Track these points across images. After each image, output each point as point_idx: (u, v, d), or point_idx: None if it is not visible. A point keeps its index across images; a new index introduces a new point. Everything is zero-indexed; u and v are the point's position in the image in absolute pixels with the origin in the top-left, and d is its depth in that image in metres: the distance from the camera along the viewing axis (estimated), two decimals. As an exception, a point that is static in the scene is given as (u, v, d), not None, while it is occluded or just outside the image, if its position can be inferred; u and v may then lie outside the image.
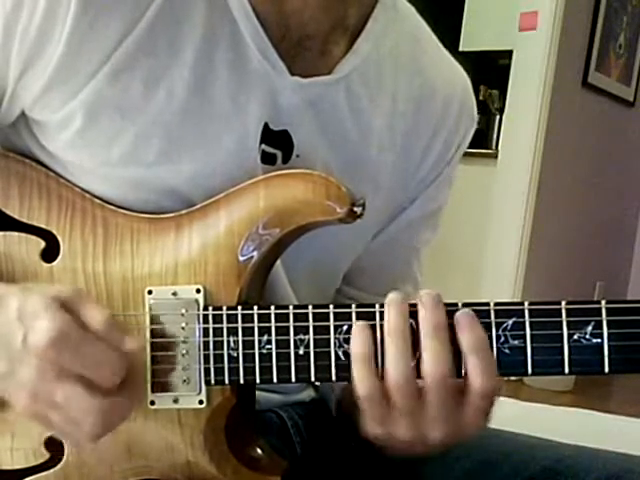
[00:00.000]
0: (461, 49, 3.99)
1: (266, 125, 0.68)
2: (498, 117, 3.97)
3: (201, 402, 0.63)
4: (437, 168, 0.80)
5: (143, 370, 0.62)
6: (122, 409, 0.58)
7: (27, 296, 0.58)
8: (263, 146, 0.69)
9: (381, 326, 0.59)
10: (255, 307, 0.62)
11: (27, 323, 0.56)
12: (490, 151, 3.68)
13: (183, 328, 0.63)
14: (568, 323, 0.57)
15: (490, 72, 3.95)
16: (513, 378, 2.73)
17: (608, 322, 0.56)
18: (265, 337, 0.61)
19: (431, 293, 0.59)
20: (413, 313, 0.58)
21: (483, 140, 3.99)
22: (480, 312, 0.58)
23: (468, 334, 0.57)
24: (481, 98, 3.99)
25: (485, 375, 0.57)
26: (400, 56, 0.76)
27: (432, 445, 0.61)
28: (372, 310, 0.59)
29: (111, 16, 0.62)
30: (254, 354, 0.61)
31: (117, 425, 0.58)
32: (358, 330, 0.59)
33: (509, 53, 3.25)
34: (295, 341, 0.61)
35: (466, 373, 0.57)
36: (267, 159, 0.69)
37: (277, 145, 0.69)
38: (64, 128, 0.65)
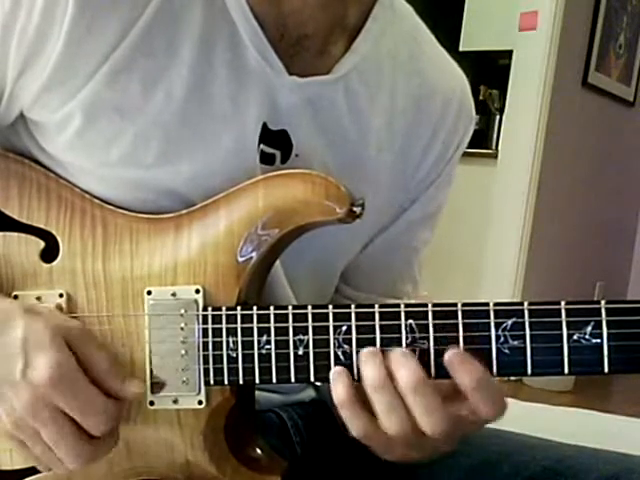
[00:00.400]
0: (461, 49, 3.99)
1: (265, 125, 0.68)
2: (498, 117, 3.97)
3: (200, 402, 0.63)
4: (437, 168, 0.80)
5: (144, 353, 0.63)
6: (103, 452, 0.60)
7: (34, 322, 0.59)
8: (262, 146, 0.69)
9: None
10: (254, 307, 0.62)
11: (29, 355, 0.57)
12: (490, 151, 3.68)
13: (182, 328, 0.63)
14: (568, 323, 0.57)
15: (490, 72, 3.95)
16: (513, 378, 2.73)
17: (608, 322, 0.56)
18: (264, 337, 0.61)
19: (398, 350, 0.57)
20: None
21: (483, 140, 3.98)
22: (479, 312, 0.58)
23: (467, 376, 0.56)
24: (481, 98, 3.99)
25: (495, 405, 0.57)
26: (399, 56, 0.76)
27: (437, 449, 0.61)
28: (371, 310, 0.59)
29: (109, 17, 0.62)
30: (253, 354, 0.61)
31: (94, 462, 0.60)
32: (336, 375, 0.58)
33: (509, 53, 3.25)
34: (294, 341, 0.61)
35: (472, 408, 0.57)
36: (266, 159, 0.69)
37: (276, 145, 0.69)
38: (63, 129, 0.65)
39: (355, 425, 0.58)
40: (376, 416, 0.57)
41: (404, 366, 0.57)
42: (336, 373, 0.59)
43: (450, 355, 0.57)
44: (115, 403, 0.59)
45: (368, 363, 0.58)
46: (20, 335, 0.58)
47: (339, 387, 0.58)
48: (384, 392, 0.57)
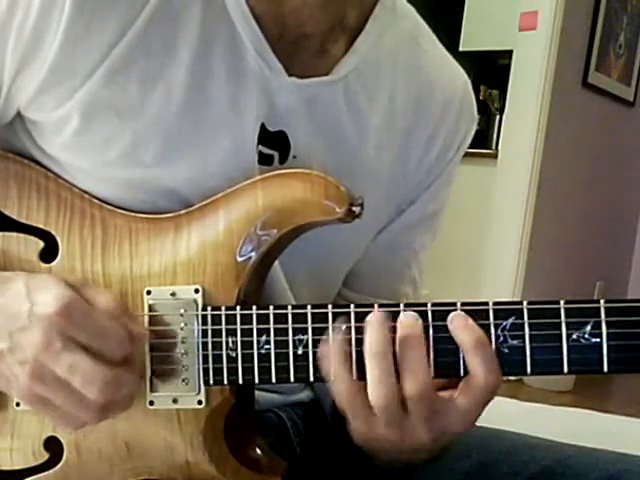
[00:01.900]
0: (461, 49, 3.99)
1: (263, 126, 0.68)
2: (498, 117, 3.98)
3: (200, 402, 0.63)
4: (437, 169, 0.80)
5: (144, 353, 0.63)
6: (127, 382, 0.59)
7: (34, 275, 0.60)
8: (260, 147, 0.69)
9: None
10: (254, 307, 0.62)
11: (34, 296, 0.57)
12: (490, 151, 3.68)
13: (182, 328, 0.63)
14: (567, 323, 0.57)
15: (490, 72, 3.95)
16: (512, 378, 2.73)
17: (607, 322, 0.56)
18: (264, 337, 0.61)
19: (408, 312, 0.58)
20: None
21: (483, 140, 3.99)
22: (479, 312, 0.58)
23: (468, 334, 0.57)
24: (481, 98, 3.99)
25: (490, 372, 0.57)
26: (399, 56, 0.76)
27: (420, 446, 0.61)
28: (370, 310, 0.59)
29: (107, 16, 0.61)
30: (253, 354, 0.61)
31: (121, 401, 0.59)
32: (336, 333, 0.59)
33: (509, 53, 3.25)
34: (294, 341, 0.61)
35: (469, 371, 0.57)
36: (264, 160, 0.69)
37: (274, 146, 0.69)
38: (61, 129, 0.65)
39: (340, 382, 0.58)
40: (367, 382, 0.58)
41: (411, 326, 0.58)
42: (337, 327, 0.59)
43: (452, 315, 0.58)
44: (125, 330, 0.59)
45: (372, 328, 0.58)
46: (23, 282, 0.59)
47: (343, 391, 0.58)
48: (382, 358, 0.57)
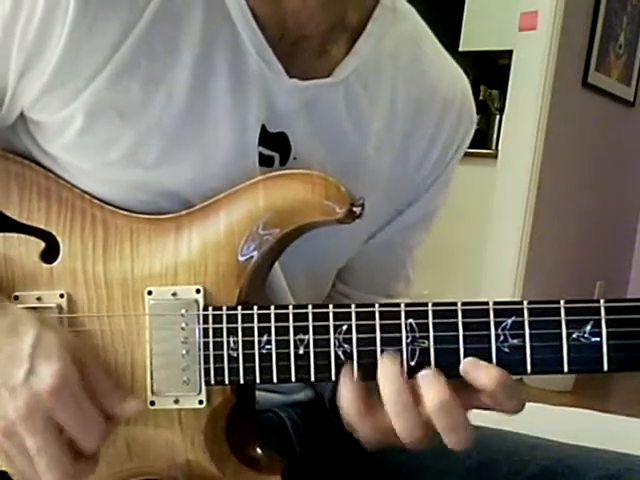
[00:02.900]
0: (461, 49, 3.99)
1: (263, 127, 0.68)
2: (498, 117, 3.97)
3: (201, 402, 0.63)
4: (436, 170, 0.80)
5: (145, 353, 0.63)
6: (84, 475, 0.60)
7: (45, 333, 0.59)
8: (260, 148, 0.69)
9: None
10: (255, 307, 0.62)
11: (36, 362, 0.57)
12: (490, 151, 3.68)
13: (183, 328, 0.63)
14: (567, 322, 0.57)
15: (490, 72, 3.95)
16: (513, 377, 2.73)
17: (607, 321, 0.56)
18: (265, 337, 0.61)
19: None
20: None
21: (483, 140, 3.98)
22: (479, 311, 0.58)
23: (485, 377, 0.57)
24: (481, 98, 3.99)
25: (514, 401, 0.58)
26: (400, 58, 0.76)
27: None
28: (372, 310, 0.60)
29: (110, 18, 0.62)
30: (254, 354, 0.61)
31: None
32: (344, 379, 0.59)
33: (509, 53, 3.25)
34: (295, 341, 0.61)
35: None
36: (265, 161, 0.69)
37: (274, 147, 0.69)
38: (64, 130, 0.65)
39: (363, 431, 0.59)
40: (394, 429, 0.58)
41: (431, 387, 0.57)
42: (344, 378, 0.59)
43: (465, 363, 0.58)
44: (108, 426, 0.60)
45: (390, 382, 0.58)
46: (30, 341, 0.58)
47: (346, 396, 0.59)
48: (407, 414, 0.57)
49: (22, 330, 0.59)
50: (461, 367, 0.58)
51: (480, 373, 0.57)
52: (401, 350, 0.59)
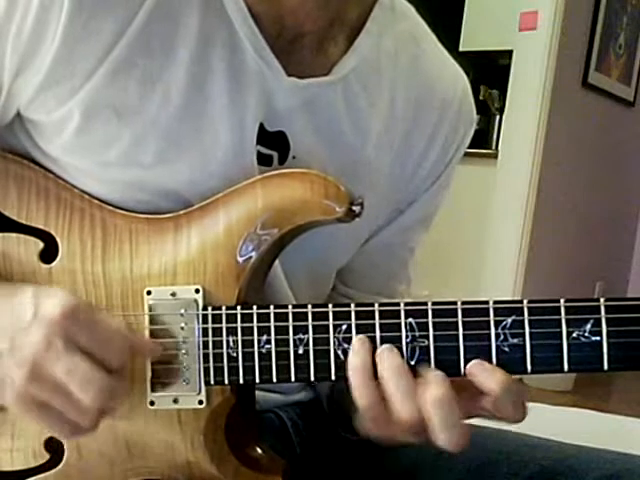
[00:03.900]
0: (461, 49, 3.98)
1: (262, 126, 0.68)
2: (498, 117, 3.97)
3: (201, 402, 0.63)
4: (436, 170, 0.80)
5: (143, 365, 0.63)
6: (120, 391, 0.58)
7: (43, 288, 0.61)
8: (259, 147, 0.68)
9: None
10: (254, 307, 0.62)
11: (40, 300, 0.58)
12: (490, 151, 3.68)
13: (182, 328, 0.63)
14: (567, 321, 0.57)
15: (490, 72, 3.95)
16: (513, 377, 2.73)
17: (607, 320, 0.56)
18: (264, 337, 0.61)
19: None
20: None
21: (483, 140, 3.98)
22: (479, 310, 0.58)
23: (493, 381, 0.57)
24: (481, 98, 3.98)
25: (519, 410, 0.58)
26: (399, 56, 0.76)
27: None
28: (371, 309, 0.59)
29: (105, 16, 0.61)
30: (253, 354, 0.61)
31: (114, 409, 0.59)
32: (358, 344, 0.59)
33: (509, 53, 3.25)
34: (294, 340, 0.61)
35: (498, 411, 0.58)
36: (263, 160, 0.69)
37: (273, 146, 0.69)
38: (61, 129, 0.65)
39: (362, 394, 0.58)
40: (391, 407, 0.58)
41: (434, 385, 0.57)
42: (360, 341, 0.59)
43: (471, 366, 0.57)
44: (127, 340, 0.59)
45: (390, 353, 0.58)
46: (30, 293, 0.59)
47: (357, 355, 0.58)
48: (400, 376, 0.57)
49: (21, 288, 0.60)
50: (467, 369, 0.57)
51: (486, 376, 0.57)
52: (401, 349, 0.59)
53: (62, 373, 0.56)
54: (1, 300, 0.61)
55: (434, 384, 0.56)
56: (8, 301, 0.60)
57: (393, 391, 0.57)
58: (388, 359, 0.58)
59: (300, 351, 0.60)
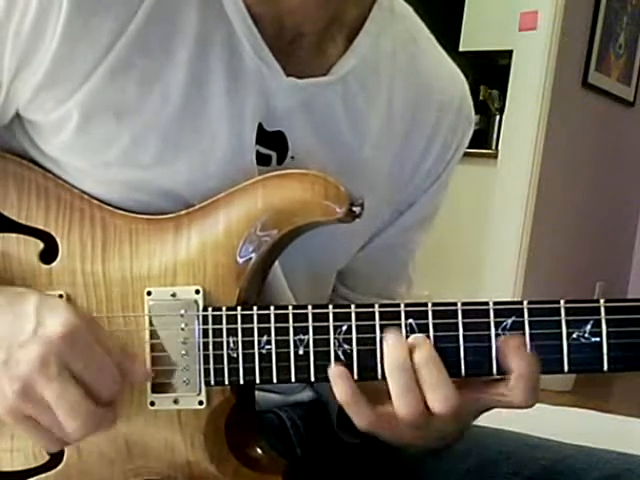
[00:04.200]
0: (461, 49, 3.99)
1: (260, 126, 0.68)
2: (498, 117, 3.97)
3: (201, 403, 0.63)
4: (435, 171, 0.80)
5: (145, 353, 0.63)
6: (106, 423, 0.59)
7: (45, 296, 0.60)
8: (258, 147, 0.68)
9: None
10: (254, 308, 0.62)
11: (42, 316, 0.57)
12: (490, 151, 3.68)
13: (182, 329, 0.63)
14: (567, 322, 0.57)
15: (490, 72, 3.95)
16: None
17: (607, 320, 0.56)
18: (265, 337, 0.61)
19: (418, 336, 0.59)
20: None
21: (483, 140, 3.98)
22: (479, 311, 0.58)
23: (523, 361, 0.57)
24: (481, 98, 3.99)
25: (529, 401, 0.58)
26: (397, 57, 0.76)
27: (447, 435, 0.62)
28: (371, 310, 0.60)
29: (104, 16, 0.61)
30: (254, 354, 0.61)
31: (94, 433, 0.59)
32: (335, 376, 0.59)
33: (509, 53, 3.25)
34: (295, 341, 0.61)
35: (509, 393, 0.58)
36: (262, 160, 0.69)
37: (272, 146, 0.69)
38: (59, 129, 0.65)
39: (361, 419, 0.59)
40: (391, 398, 0.58)
41: (420, 345, 0.58)
42: (335, 374, 0.59)
43: (508, 339, 0.57)
44: (121, 373, 0.59)
45: (390, 347, 0.58)
46: (34, 303, 0.59)
47: (341, 387, 0.59)
48: (401, 374, 0.57)
49: (25, 297, 0.60)
50: (498, 343, 0.58)
51: (518, 355, 0.57)
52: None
53: (51, 397, 0.56)
54: (3, 307, 0.60)
55: (422, 346, 0.58)
56: (9, 310, 0.59)
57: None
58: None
59: (300, 352, 0.61)
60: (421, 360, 0.57)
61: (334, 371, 0.59)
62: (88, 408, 0.57)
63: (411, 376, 0.57)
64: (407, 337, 0.59)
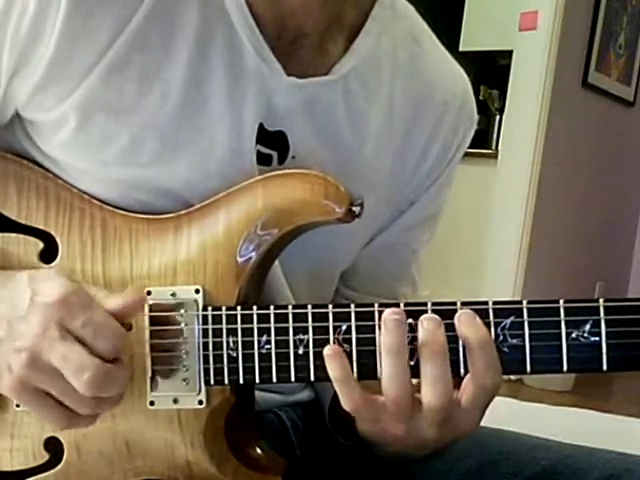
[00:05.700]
0: (461, 49, 3.99)
1: (261, 126, 0.68)
2: (498, 117, 3.97)
3: (201, 402, 0.63)
4: (436, 170, 0.80)
5: (144, 353, 0.63)
6: (116, 379, 0.58)
7: (39, 271, 0.61)
8: (258, 147, 0.68)
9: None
10: (254, 307, 0.62)
11: (36, 286, 0.57)
12: (490, 151, 3.68)
13: (182, 329, 0.63)
14: (566, 322, 0.57)
15: (490, 72, 3.95)
16: (513, 377, 2.73)
17: (606, 321, 0.56)
18: (264, 337, 0.61)
19: (433, 317, 0.58)
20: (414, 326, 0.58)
21: (483, 140, 3.99)
22: (479, 311, 0.58)
23: (474, 332, 0.57)
24: (481, 98, 3.99)
25: (492, 370, 0.57)
26: (398, 56, 0.76)
27: (426, 442, 0.61)
28: (371, 310, 0.60)
29: (103, 14, 0.61)
30: (253, 354, 0.61)
31: (112, 400, 0.58)
32: (331, 354, 0.59)
33: (509, 53, 3.25)
34: (294, 341, 0.61)
35: (469, 370, 0.58)
36: (263, 160, 0.69)
37: (273, 146, 0.69)
38: (58, 129, 0.65)
39: (349, 399, 0.59)
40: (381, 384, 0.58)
41: (429, 330, 0.58)
42: (330, 352, 0.59)
43: (460, 313, 0.58)
44: (123, 332, 0.59)
45: (389, 329, 0.58)
46: (25, 277, 0.59)
47: (334, 363, 0.58)
48: (396, 357, 0.57)
49: (16, 274, 0.60)
50: (457, 315, 0.58)
51: (471, 327, 0.57)
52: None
53: (57, 360, 0.56)
54: None
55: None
56: (4, 286, 0.60)
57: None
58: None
59: (300, 352, 0.61)
60: (429, 354, 0.57)
61: (329, 349, 0.59)
62: (94, 363, 0.56)
63: (406, 359, 0.58)
64: (407, 337, 0.59)
